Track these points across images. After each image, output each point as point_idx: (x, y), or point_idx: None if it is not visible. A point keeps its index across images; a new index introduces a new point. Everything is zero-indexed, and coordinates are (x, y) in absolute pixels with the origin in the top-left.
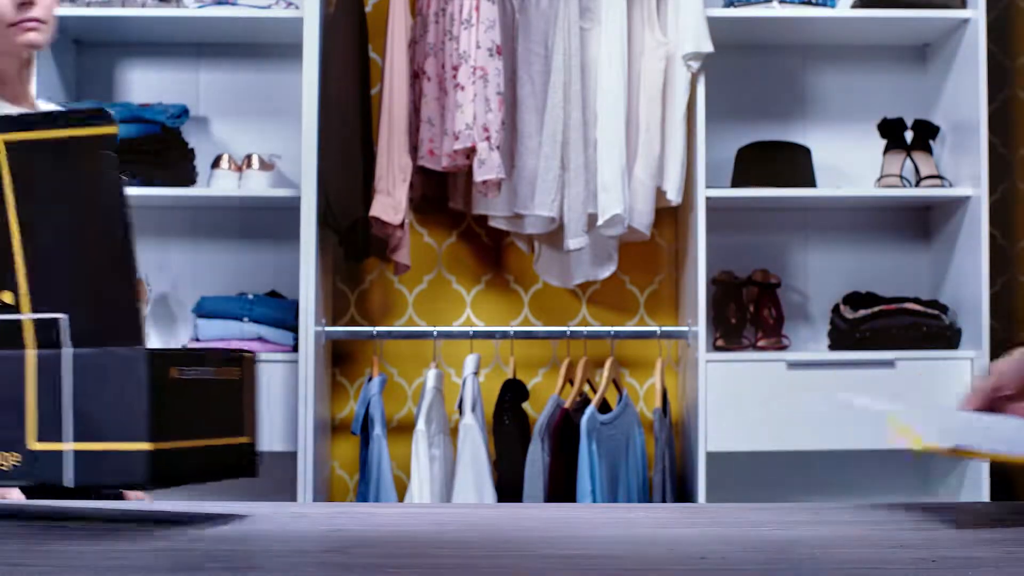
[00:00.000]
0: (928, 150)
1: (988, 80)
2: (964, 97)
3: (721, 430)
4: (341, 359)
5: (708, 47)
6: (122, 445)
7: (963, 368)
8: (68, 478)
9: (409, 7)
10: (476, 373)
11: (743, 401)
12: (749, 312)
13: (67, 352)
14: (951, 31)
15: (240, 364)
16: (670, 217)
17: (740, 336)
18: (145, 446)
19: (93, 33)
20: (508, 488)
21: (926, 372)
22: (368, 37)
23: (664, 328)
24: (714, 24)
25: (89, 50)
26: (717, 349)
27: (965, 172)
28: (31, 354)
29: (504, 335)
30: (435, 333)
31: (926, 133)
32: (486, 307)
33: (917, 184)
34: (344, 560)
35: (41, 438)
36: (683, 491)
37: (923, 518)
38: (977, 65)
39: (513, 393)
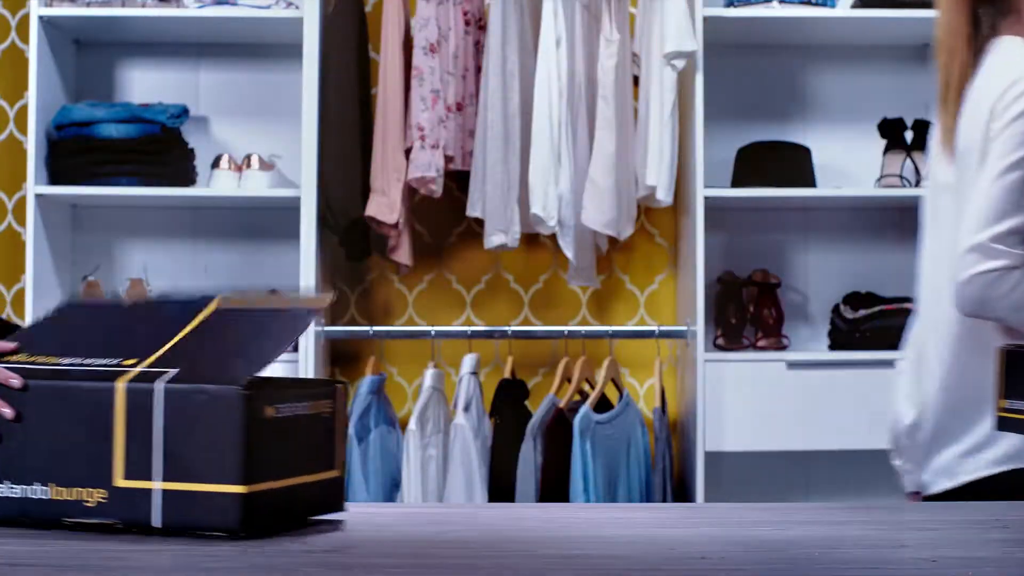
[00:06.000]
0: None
1: None
2: None
3: (719, 430)
4: (344, 359)
5: (691, 46)
6: (214, 487)
7: None
8: (156, 518)
9: (404, 6)
10: (476, 373)
11: (742, 401)
12: (749, 312)
13: (159, 387)
14: None
15: (333, 396)
16: (670, 217)
17: (740, 336)
18: (239, 489)
19: (93, 33)
20: (502, 488)
21: None
22: (368, 37)
23: (662, 328)
24: (715, 24)
25: (89, 50)
26: (717, 349)
27: None
28: (121, 387)
29: (503, 335)
30: (433, 333)
31: (926, 133)
32: (487, 307)
33: (917, 184)
34: (344, 560)
35: (128, 476)
36: (682, 491)
37: (923, 518)
38: None
39: (510, 393)
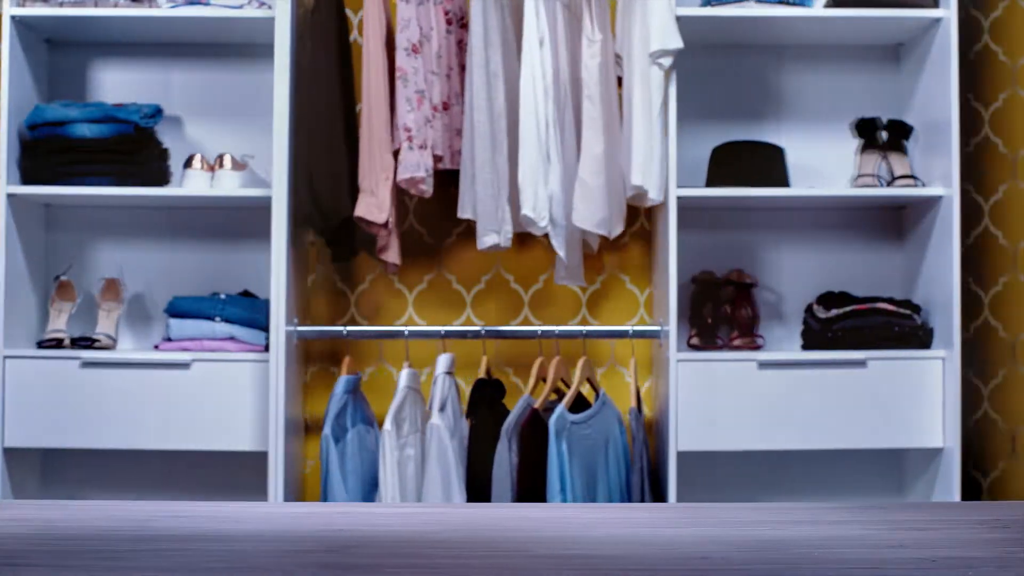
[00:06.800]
0: (902, 150)
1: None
2: (935, 97)
3: (692, 430)
4: (335, 358)
5: (676, 43)
6: None
7: (935, 368)
8: None
9: (384, 6)
10: (451, 373)
11: (714, 400)
12: (725, 312)
13: None
14: (924, 30)
15: None
16: (648, 217)
17: (715, 335)
18: None
19: (66, 33)
20: (479, 488)
21: (898, 372)
22: (348, 37)
23: (636, 328)
24: (690, 23)
25: (62, 50)
26: (692, 348)
27: (937, 172)
28: None
29: (476, 335)
30: (406, 332)
31: (900, 133)
32: (484, 306)
33: (890, 184)
34: (344, 560)
35: None
36: (658, 490)
37: (923, 518)
38: (948, 64)
39: (486, 392)
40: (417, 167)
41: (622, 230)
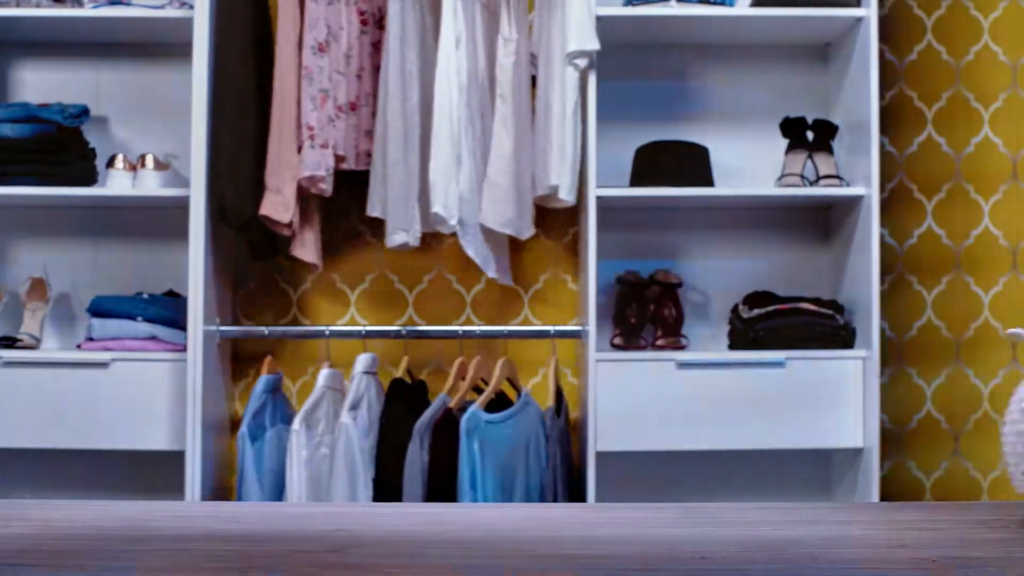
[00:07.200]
0: (829, 150)
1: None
2: (858, 96)
3: (611, 430)
4: (281, 359)
5: (593, 45)
6: None
7: (855, 368)
8: None
9: (299, 5)
10: (373, 373)
11: (633, 401)
12: (649, 312)
13: None
14: (848, 30)
15: None
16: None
17: (639, 336)
18: None
19: None
20: (389, 487)
21: (817, 372)
22: (270, 36)
23: (557, 328)
24: (613, 23)
25: None
26: (615, 348)
27: (860, 172)
28: None
29: (397, 335)
30: (327, 332)
31: (826, 133)
32: (426, 307)
33: (816, 183)
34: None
35: None
36: (578, 491)
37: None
38: (869, 64)
39: (404, 393)
40: (317, 166)
41: (532, 232)
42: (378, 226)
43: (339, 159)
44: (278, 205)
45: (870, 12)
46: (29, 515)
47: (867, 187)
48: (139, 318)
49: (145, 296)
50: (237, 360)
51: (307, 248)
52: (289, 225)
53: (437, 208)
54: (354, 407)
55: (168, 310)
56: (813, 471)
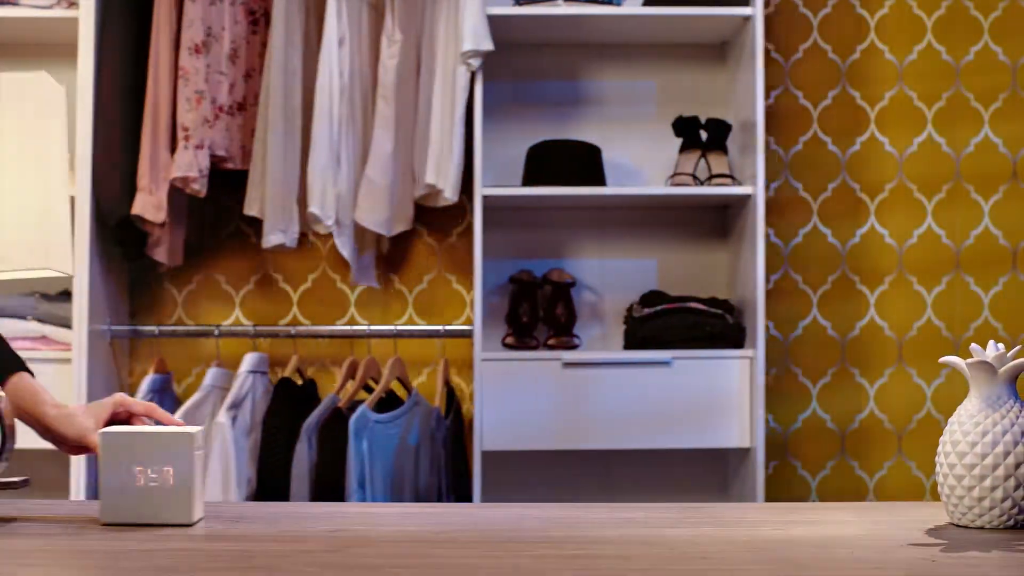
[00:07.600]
0: (723, 149)
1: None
2: (747, 95)
3: (497, 429)
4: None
5: (487, 45)
6: None
7: (740, 367)
8: None
9: (176, 6)
10: (263, 372)
11: (518, 401)
12: (541, 311)
13: None
14: (738, 29)
15: None
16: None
17: (531, 335)
18: None
19: None
20: (273, 487)
21: (704, 371)
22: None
23: (447, 327)
24: (500, 22)
25: None
26: (507, 347)
27: (748, 171)
28: None
29: (287, 334)
30: (216, 332)
31: (719, 132)
32: (310, 306)
33: (707, 182)
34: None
35: None
36: (464, 490)
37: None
38: (755, 63)
39: (291, 392)
40: (190, 167)
41: (406, 228)
42: (261, 226)
43: (222, 159)
44: (150, 205)
45: (756, 11)
46: None
47: (753, 186)
48: (29, 317)
49: (38, 296)
50: (138, 361)
51: (163, 247)
52: (162, 225)
53: (314, 208)
54: (235, 406)
55: (60, 310)
56: (711, 471)
